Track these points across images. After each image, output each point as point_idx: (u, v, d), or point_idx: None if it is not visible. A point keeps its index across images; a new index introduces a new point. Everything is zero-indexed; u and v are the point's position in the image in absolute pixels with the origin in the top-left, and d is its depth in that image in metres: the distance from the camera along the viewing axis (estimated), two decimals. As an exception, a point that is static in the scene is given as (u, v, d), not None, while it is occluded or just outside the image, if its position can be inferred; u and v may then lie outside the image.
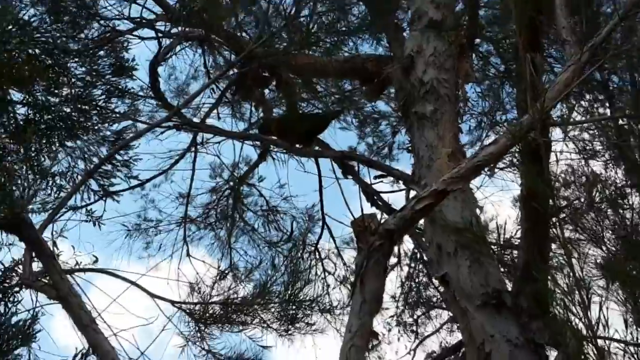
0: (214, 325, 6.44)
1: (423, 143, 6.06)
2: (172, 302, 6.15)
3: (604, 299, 3.72)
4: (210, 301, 6.36)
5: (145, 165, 8.40)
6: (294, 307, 6.50)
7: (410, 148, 6.38)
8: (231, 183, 8.95)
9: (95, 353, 3.33)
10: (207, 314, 6.35)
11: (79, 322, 3.42)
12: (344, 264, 8.59)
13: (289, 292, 6.37)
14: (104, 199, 6.61)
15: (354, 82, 8.38)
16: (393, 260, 8.23)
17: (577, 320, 3.58)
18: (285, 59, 7.13)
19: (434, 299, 8.98)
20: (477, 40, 7.96)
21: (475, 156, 3.74)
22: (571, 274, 3.53)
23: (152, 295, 5.59)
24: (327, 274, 8.40)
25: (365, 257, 3.52)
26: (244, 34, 7.44)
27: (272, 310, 6.55)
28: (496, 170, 7.25)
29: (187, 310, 6.30)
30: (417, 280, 8.96)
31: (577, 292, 3.52)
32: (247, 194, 9.06)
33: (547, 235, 5.16)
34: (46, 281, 3.79)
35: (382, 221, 3.72)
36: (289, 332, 6.77)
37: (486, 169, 4.90)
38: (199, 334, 6.48)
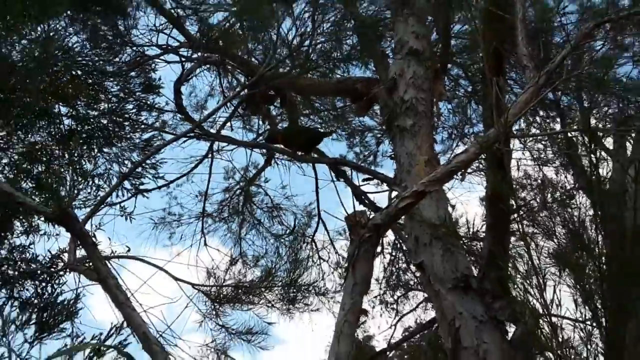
0: (227, 304, 6.45)
1: (404, 151, 6.04)
2: (192, 285, 6.15)
3: (557, 283, 3.73)
4: (224, 284, 6.37)
5: (170, 169, 8.45)
6: (294, 290, 6.50)
7: (393, 156, 6.35)
8: (242, 184, 8.93)
9: (129, 326, 3.32)
10: (221, 295, 6.35)
11: (116, 300, 3.40)
12: (336, 252, 8.61)
13: (290, 277, 6.37)
14: (135, 196, 6.62)
15: (346, 100, 8.37)
16: (377, 249, 8.21)
17: (534, 301, 3.58)
18: (289, 81, 7.14)
19: (411, 282, 8.96)
20: (449, 65, 7.97)
21: (449, 163, 3.73)
22: (529, 262, 3.53)
23: (176, 279, 5.59)
24: (322, 261, 8.41)
25: (356, 246, 3.52)
26: (253, 59, 7.41)
27: (276, 292, 6.56)
28: (466, 174, 7.24)
29: (205, 292, 6.31)
30: (397, 266, 8.95)
31: (534, 277, 3.53)
32: (255, 193, 9.05)
33: (507, 229, 5.17)
34: (88, 266, 3.79)
35: (371, 217, 3.71)
36: (290, 310, 6.79)
37: (458, 174, 4.88)
38: (214, 312, 6.50)
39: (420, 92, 6.31)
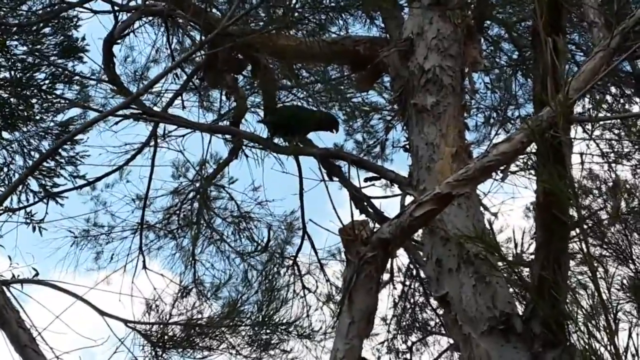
0: (173, 349, 6.44)
1: (422, 141, 6.06)
2: (125, 322, 6.14)
3: (633, 324, 3.73)
4: (170, 321, 6.36)
5: (96, 161, 8.41)
6: (268, 330, 6.50)
7: (407, 146, 6.38)
8: (197, 184, 8.91)
9: (34, 379, 3.31)
10: (166, 336, 6.34)
11: (16, 342, 3.40)
12: (327, 280, 8.58)
13: (263, 313, 6.37)
14: (45, 200, 6.61)
15: (343, 68, 8.38)
16: (385, 276, 8.21)
17: (602, 350, 3.58)
18: (263, 40, 7.14)
19: (432, 323, 8.99)
20: (487, 23, 7.99)
21: (485, 155, 3.73)
22: (596, 294, 3.52)
23: (102, 313, 5.57)
24: (307, 291, 8.38)
25: (355, 270, 3.52)
26: (214, 10, 7.40)
27: (243, 333, 6.56)
28: (508, 172, 7.26)
29: (143, 332, 6.29)
30: (412, 300, 8.96)
31: (602, 316, 3.52)
32: (215, 197, 9.04)
33: (565, 249, 5.17)
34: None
35: (376, 229, 3.71)
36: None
37: (498, 171, 4.87)
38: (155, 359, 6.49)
39: (447, 59, 6.34)
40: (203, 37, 7.47)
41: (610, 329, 3.41)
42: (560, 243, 5.11)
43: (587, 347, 3.60)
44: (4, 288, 3.63)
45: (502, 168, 4.90)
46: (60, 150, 6.55)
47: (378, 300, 3.59)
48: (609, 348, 3.44)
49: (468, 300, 5.35)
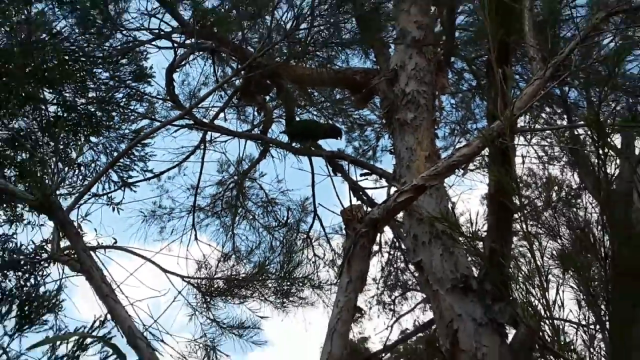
0: (218, 297, 6.43)
1: (404, 146, 6.06)
2: (182, 277, 6.13)
3: (560, 284, 3.71)
4: (215, 277, 6.35)
5: (161, 159, 8.43)
6: (288, 283, 6.49)
7: (392, 150, 6.37)
8: (235, 177, 8.90)
9: (113, 320, 3.30)
10: (212, 288, 6.34)
11: (100, 292, 3.39)
12: (332, 249, 8.58)
13: (284, 271, 6.36)
14: (122, 188, 6.61)
15: (344, 92, 8.36)
16: (375, 247, 8.19)
17: (536, 302, 3.57)
18: (285, 70, 7.14)
19: (410, 283, 8.97)
20: (453, 59, 7.96)
21: (451, 156, 3.72)
22: (532, 262, 3.51)
23: (165, 271, 5.56)
24: (317, 258, 8.37)
25: (352, 242, 3.51)
26: (249, 47, 7.39)
27: (269, 285, 6.55)
28: (468, 169, 7.25)
29: (195, 284, 6.29)
30: (395, 265, 8.95)
31: (537, 277, 3.51)
32: (249, 187, 9.04)
33: (509, 228, 5.16)
34: (71, 257, 3.77)
35: (368, 211, 3.70)
36: (284, 304, 6.78)
37: (460, 168, 4.88)
38: (204, 305, 6.48)
39: (422, 85, 6.33)
40: (239, 66, 7.51)
41: (543, 287, 3.40)
42: (506, 223, 5.10)
43: (525, 300, 3.59)
44: (91, 252, 3.62)
45: (463, 166, 4.90)
46: (133, 150, 6.54)
47: (369, 265, 3.58)
48: (541, 301, 3.43)
49: (437, 266, 5.35)
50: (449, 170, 3.73)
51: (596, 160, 3.39)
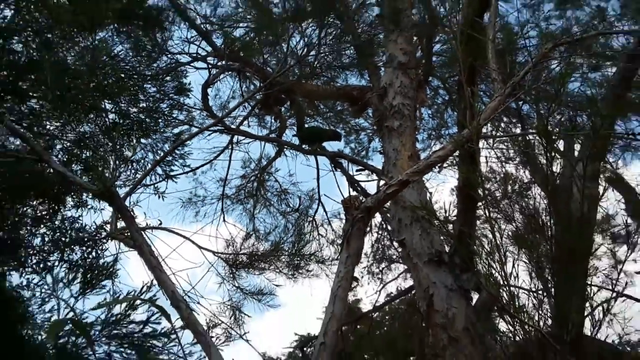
0: (242, 269, 6.44)
1: (391, 147, 6.05)
2: (213, 252, 6.14)
3: (515, 260, 3.72)
4: (240, 252, 6.36)
5: (196, 157, 8.44)
6: (298, 258, 6.50)
7: (382, 151, 6.36)
8: (256, 172, 8.90)
9: (159, 286, 3.31)
10: (238, 262, 6.35)
11: (149, 264, 3.39)
12: (333, 230, 8.58)
13: (296, 248, 6.37)
14: (165, 180, 6.62)
15: (344, 104, 8.35)
16: (367, 228, 8.18)
17: (496, 274, 3.58)
18: (297, 86, 7.16)
19: (394, 257, 8.94)
20: (430, 78, 7.96)
21: (429, 157, 3.72)
22: (493, 241, 3.52)
23: (200, 247, 5.57)
24: (320, 237, 8.38)
25: (350, 225, 3.52)
26: (268, 68, 7.40)
27: (283, 260, 6.56)
28: (443, 168, 7.24)
29: (224, 259, 6.30)
30: (382, 243, 8.94)
31: (497, 253, 3.52)
32: (266, 179, 9.03)
33: (474, 214, 5.18)
34: (126, 235, 3.78)
35: (363, 201, 3.70)
36: (295, 275, 6.79)
37: (436, 167, 4.88)
38: (231, 275, 6.49)
39: (406, 99, 6.32)
40: (260, 84, 7.51)
41: (502, 262, 3.41)
42: (471, 210, 5.12)
43: (487, 272, 3.60)
44: (142, 232, 3.63)
45: (439, 165, 4.90)
46: (175, 150, 6.55)
47: (364, 243, 3.59)
48: (501, 273, 3.44)
49: (416, 243, 5.35)
50: (428, 168, 3.73)
51: (544, 161, 3.40)
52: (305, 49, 6.45)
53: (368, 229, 8.17)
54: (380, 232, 8.77)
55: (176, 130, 6.84)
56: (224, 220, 8.34)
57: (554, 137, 3.36)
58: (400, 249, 7.78)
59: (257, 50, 7.04)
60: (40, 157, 3.81)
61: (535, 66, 4.11)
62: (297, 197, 8.86)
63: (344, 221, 4.05)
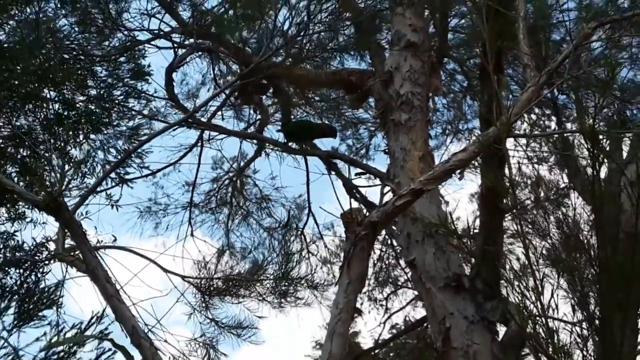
0: (216, 296, 6.45)
1: (398, 146, 6.06)
2: (182, 277, 6.15)
3: (554, 287, 3.73)
4: (214, 277, 6.37)
5: (157, 156, 8.43)
6: (286, 283, 6.51)
7: (386, 150, 6.38)
8: (230, 174, 8.91)
9: (118, 320, 3.32)
10: (211, 287, 6.35)
11: (105, 293, 3.40)
12: (325, 246, 8.61)
13: (282, 270, 6.38)
14: (120, 185, 6.63)
15: (339, 92, 8.36)
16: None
17: (528, 302, 3.59)
18: (283, 71, 7.16)
19: (401, 279, 8.98)
20: (445, 60, 7.98)
21: (448, 161, 3.75)
22: (526, 261, 3.54)
23: (166, 271, 5.58)
24: (311, 255, 8.39)
25: (352, 244, 3.54)
26: (247, 48, 7.39)
27: (267, 285, 6.57)
28: (464, 173, 7.29)
29: (194, 284, 6.31)
30: (386, 262, 8.97)
31: (530, 277, 3.53)
32: (244, 183, 9.04)
33: (500, 228, 5.19)
34: (76, 257, 3.80)
35: (367, 214, 3.72)
36: (282, 305, 6.79)
37: (456, 173, 4.91)
38: (204, 305, 6.49)
39: (416, 87, 6.33)
40: (240, 68, 7.51)
41: (538, 291, 3.43)
42: (497, 223, 5.13)
43: (519, 300, 3.62)
44: (96, 252, 3.63)
45: (459, 170, 4.94)
46: (130, 147, 6.58)
47: (369, 266, 3.61)
48: (536, 304, 3.46)
49: (429, 264, 5.36)
50: (446, 174, 3.76)
51: (589, 168, 3.42)
52: (297, 30, 6.45)
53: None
54: (383, 249, 8.82)
55: (132, 124, 6.87)
56: (192, 234, 8.35)
57: (601, 138, 3.38)
58: (408, 270, 7.82)
59: (233, 25, 7.02)
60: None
61: (576, 49, 4.13)
62: (281, 205, 8.90)
63: (339, 235, 4.06)
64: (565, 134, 5.61)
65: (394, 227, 7.06)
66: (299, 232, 8.40)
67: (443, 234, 5.38)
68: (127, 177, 6.75)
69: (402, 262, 8.58)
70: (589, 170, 3.40)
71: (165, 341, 5.28)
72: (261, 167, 8.97)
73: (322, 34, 6.93)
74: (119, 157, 6.69)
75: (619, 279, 3.78)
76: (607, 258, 3.87)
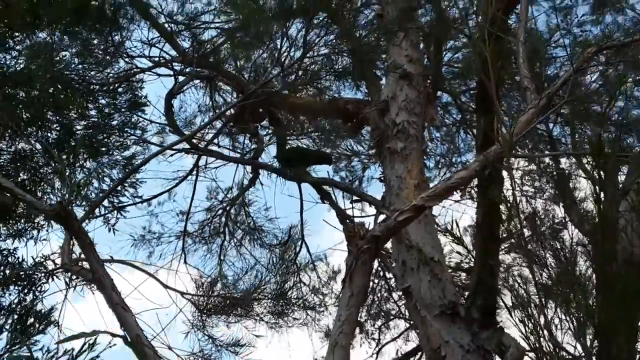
0: (214, 315, 6.46)
1: (393, 174, 6.11)
2: (181, 293, 6.16)
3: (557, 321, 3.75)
4: (212, 295, 6.39)
5: (152, 185, 8.45)
6: (283, 302, 6.53)
7: (382, 178, 6.42)
8: (224, 204, 8.92)
9: (122, 327, 3.34)
10: (209, 305, 6.37)
11: (110, 301, 3.43)
12: (318, 277, 8.60)
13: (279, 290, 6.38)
14: (113, 213, 6.66)
15: (334, 122, 8.40)
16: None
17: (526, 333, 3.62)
18: (280, 99, 7.24)
19: (393, 312, 8.95)
20: (439, 93, 8.05)
21: (449, 178, 3.80)
22: (538, 287, 3.57)
23: (165, 286, 5.60)
24: (302, 284, 8.36)
25: (354, 258, 3.56)
26: (244, 74, 7.47)
27: (265, 305, 6.59)
28: (466, 192, 7.32)
29: (193, 301, 6.32)
30: (379, 295, 8.95)
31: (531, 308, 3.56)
32: (236, 214, 9.05)
33: (497, 257, 5.22)
34: (81, 266, 3.83)
35: (370, 229, 3.76)
36: (277, 324, 6.80)
37: (457, 191, 4.96)
38: (201, 323, 6.50)
39: (412, 116, 6.39)
40: (235, 95, 7.60)
41: (546, 325, 3.44)
42: (494, 252, 5.16)
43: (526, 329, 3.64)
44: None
45: (460, 189, 4.99)
46: (134, 173, 6.62)
47: (371, 280, 3.65)
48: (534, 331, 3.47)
49: (425, 292, 5.36)
50: (448, 192, 3.80)
51: (595, 187, 3.45)
52: (292, 55, 6.52)
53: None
54: (375, 280, 8.79)
55: (127, 153, 6.90)
56: (185, 262, 8.34)
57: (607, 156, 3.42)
58: (400, 302, 7.82)
59: (231, 56, 7.11)
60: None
61: (577, 72, 4.21)
62: (273, 236, 8.88)
63: (332, 266, 4.09)
64: (567, 155, 5.66)
65: (388, 259, 7.10)
66: (290, 261, 8.39)
67: (435, 259, 5.43)
68: (120, 205, 6.78)
69: (394, 295, 8.61)
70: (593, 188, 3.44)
71: (169, 347, 5.25)
72: (255, 197, 8.96)
73: (319, 63, 6.99)
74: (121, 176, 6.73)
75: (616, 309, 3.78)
76: (603, 287, 3.88)
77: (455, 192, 4.65)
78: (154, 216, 8.81)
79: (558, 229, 5.26)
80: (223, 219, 8.92)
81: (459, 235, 4.82)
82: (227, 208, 8.87)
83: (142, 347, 3.24)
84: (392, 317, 8.95)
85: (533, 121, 3.87)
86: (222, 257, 8.68)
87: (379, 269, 8.61)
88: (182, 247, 8.49)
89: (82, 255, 3.81)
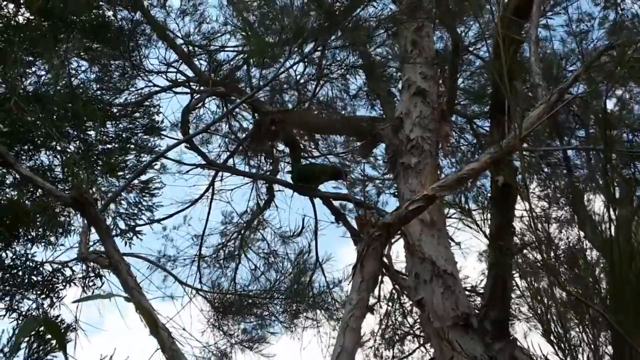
0: (229, 315, 6.48)
1: (407, 189, 6.14)
2: (197, 290, 6.20)
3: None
4: (227, 292, 6.42)
5: (167, 207, 8.51)
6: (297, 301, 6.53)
7: (396, 193, 6.47)
8: (239, 227, 8.96)
9: (138, 311, 3.38)
10: (225, 304, 6.40)
11: (126, 285, 3.48)
12: (333, 299, 8.58)
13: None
14: (129, 234, 6.72)
15: (349, 141, 8.48)
16: (372, 300, 8.16)
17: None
18: (294, 115, 7.32)
19: (409, 335, 8.90)
20: (453, 117, 8.12)
21: (460, 170, 3.84)
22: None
23: (181, 283, 5.64)
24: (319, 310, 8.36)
25: (365, 244, 3.59)
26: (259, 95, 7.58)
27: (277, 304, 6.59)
28: (475, 184, 7.33)
29: (209, 299, 6.36)
30: (393, 318, 8.91)
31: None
32: (251, 238, 9.08)
33: (509, 269, 5.22)
34: (98, 254, 3.89)
35: (381, 217, 3.80)
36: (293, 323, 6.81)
37: (468, 182, 4.98)
38: (216, 323, 6.53)
39: (426, 131, 6.45)
40: (250, 114, 7.70)
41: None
42: (506, 264, 5.17)
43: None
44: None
45: (470, 181, 5.01)
46: (141, 200, 6.67)
47: (381, 266, 3.69)
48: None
49: (438, 303, 5.37)
50: (458, 183, 3.82)
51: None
52: (306, 77, 6.60)
53: (373, 300, 8.22)
54: (390, 304, 8.77)
55: (144, 177, 6.98)
56: (200, 282, 8.33)
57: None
58: (417, 314, 7.78)
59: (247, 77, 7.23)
60: (4, 159, 3.93)
61: (587, 70, 4.25)
62: (287, 261, 8.89)
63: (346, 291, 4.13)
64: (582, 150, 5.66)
65: (401, 277, 7.11)
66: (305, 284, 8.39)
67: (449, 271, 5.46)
68: (137, 229, 6.83)
69: (409, 319, 8.58)
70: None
71: (184, 329, 5.25)
72: (270, 217, 8.99)
73: (335, 82, 7.09)
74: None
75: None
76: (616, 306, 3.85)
77: (466, 183, 4.67)
78: (169, 240, 8.86)
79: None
80: (237, 242, 8.94)
81: (468, 208, 4.80)
82: (242, 232, 8.91)
83: (157, 329, 3.28)
84: (406, 334, 8.88)
85: (544, 116, 3.91)
86: (235, 281, 8.68)
87: (393, 292, 8.60)
88: (197, 269, 8.48)
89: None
